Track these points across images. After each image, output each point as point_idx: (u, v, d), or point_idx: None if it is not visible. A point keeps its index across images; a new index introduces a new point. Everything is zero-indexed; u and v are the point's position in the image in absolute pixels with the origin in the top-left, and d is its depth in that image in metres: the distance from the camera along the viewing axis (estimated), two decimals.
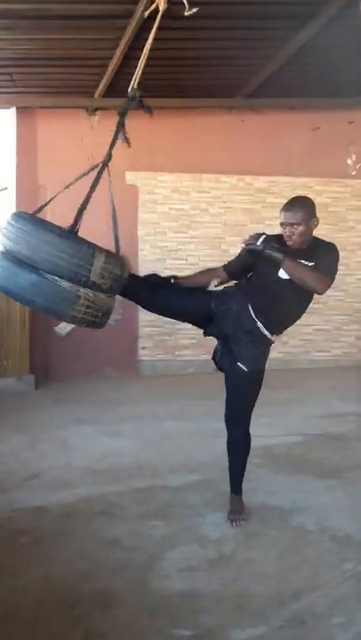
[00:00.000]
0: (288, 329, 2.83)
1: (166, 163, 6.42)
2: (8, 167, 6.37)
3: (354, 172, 6.87)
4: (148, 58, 5.14)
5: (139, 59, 5.10)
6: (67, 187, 2.57)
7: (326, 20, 4.27)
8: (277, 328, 2.76)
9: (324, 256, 2.68)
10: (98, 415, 4.82)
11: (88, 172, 2.56)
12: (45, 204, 2.61)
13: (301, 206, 2.71)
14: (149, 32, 4.27)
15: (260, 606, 2.12)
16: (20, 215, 2.33)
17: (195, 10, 2.70)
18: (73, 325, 2.47)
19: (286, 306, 2.74)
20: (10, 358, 5.75)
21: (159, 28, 2.76)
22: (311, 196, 7.42)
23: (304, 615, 2.07)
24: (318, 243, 2.74)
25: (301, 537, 2.65)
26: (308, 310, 2.84)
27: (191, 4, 2.76)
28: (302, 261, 2.64)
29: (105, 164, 2.62)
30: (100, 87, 5.61)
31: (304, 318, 2.89)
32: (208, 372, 6.63)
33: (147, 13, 2.92)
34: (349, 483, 3.27)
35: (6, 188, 6.55)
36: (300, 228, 2.67)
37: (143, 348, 6.55)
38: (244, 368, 2.70)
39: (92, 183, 2.56)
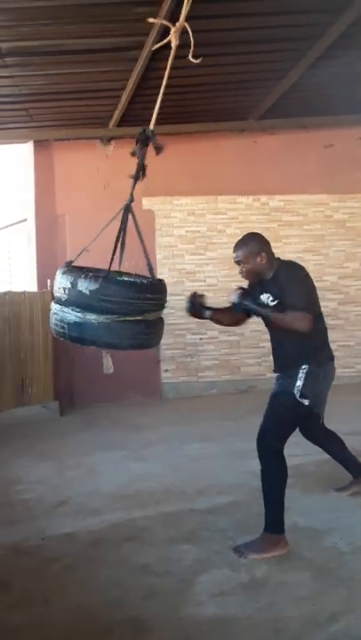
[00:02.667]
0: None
1: (181, 187, 6.49)
2: (27, 199, 6.52)
3: None
4: (165, 86, 5.26)
5: (151, 88, 5.24)
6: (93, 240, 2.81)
7: (335, 39, 4.32)
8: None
9: (289, 288, 2.72)
10: (124, 440, 4.81)
11: (114, 216, 2.77)
12: (78, 255, 2.82)
13: (243, 246, 2.86)
14: (160, 62, 4.41)
15: (297, 630, 2.07)
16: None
17: (200, 59, 2.78)
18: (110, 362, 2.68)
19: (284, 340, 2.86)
20: (34, 386, 5.80)
21: (174, 57, 2.85)
22: (327, 212, 7.44)
23: (342, 638, 2.02)
24: (279, 269, 2.80)
25: (335, 557, 2.59)
26: (329, 327, 2.85)
27: (200, 32, 2.82)
28: (268, 295, 2.78)
29: (127, 206, 2.79)
30: (114, 117, 5.74)
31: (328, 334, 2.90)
32: (231, 392, 6.62)
33: (156, 47, 3.00)
34: None
35: (25, 220, 6.69)
36: (247, 266, 2.84)
37: (166, 370, 6.55)
38: None
39: (119, 227, 2.75)
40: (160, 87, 5.27)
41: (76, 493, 3.59)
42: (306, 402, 2.71)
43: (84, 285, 2.46)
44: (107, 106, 5.51)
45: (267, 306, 2.76)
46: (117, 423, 5.46)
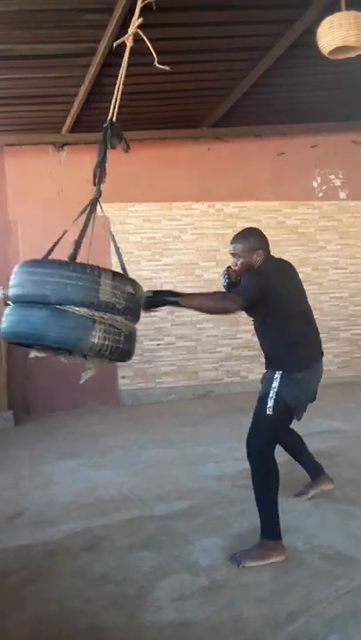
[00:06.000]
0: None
1: (136, 193, 6.50)
2: None
3: (320, 194, 7.05)
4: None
5: (104, 94, 5.22)
6: (72, 223, 2.50)
7: (285, 49, 4.42)
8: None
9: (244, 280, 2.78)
10: (81, 448, 4.76)
11: (84, 209, 2.56)
12: (52, 247, 2.44)
13: (243, 240, 2.86)
14: (113, 69, 4.42)
15: (256, 630, 2.10)
16: (22, 263, 2.21)
17: (166, 68, 2.78)
18: (92, 370, 2.38)
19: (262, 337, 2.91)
20: None
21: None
22: (280, 219, 7.54)
23: (300, 636, 2.05)
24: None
25: (293, 557, 2.63)
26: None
27: (153, 40, 2.85)
28: None
29: (95, 200, 2.63)
30: (66, 123, 5.70)
31: None
32: (189, 397, 6.64)
33: (115, 44, 3.01)
34: (336, 500, 3.27)
35: None
36: (242, 260, 2.84)
37: (123, 377, 6.52)
38: None
39: (86, 217, 2.53)
40: (113, 93, 5.26)
41: (33, 504, 3.52)
42: (272, 409, 2.68)
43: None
44: (59, 111, 5.47)
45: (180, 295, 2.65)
46: (74, 431, 5.39)
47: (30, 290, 2.07)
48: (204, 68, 4.80)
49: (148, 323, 6.18)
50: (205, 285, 6.46)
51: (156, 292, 2.63)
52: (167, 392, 6.60)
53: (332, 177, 7.08)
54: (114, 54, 4.15)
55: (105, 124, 2.71)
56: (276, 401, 2.68)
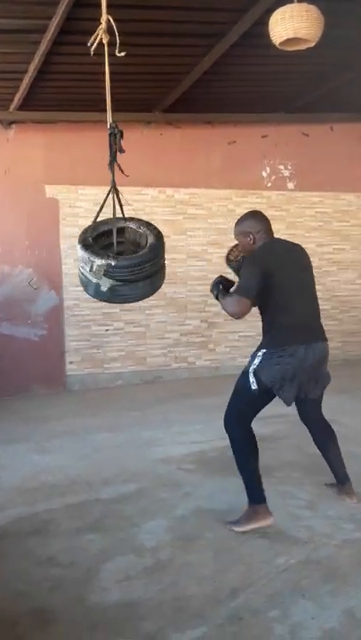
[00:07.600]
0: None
1: (86, 176, 6.39)
2: None
3: (269, 184, 7.15)
4: (68, 72, 5.18)
5: (54, 72, 5.11)
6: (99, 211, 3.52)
7: (238, 37, 4.44)
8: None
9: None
10: (27, 433, 4.71)
11: (105, 200, 3.52)
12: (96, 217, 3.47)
13: (238, 224, 3.00)
14: (64, 47, 4.33)
15: (199, 607, 2.16)
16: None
17: (123, 53, 3.08)
18: None
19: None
20: None
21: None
22: (230, 207, 7.58)
23: (241, 612, 2.13)
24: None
25: (235, 536, 2.72)
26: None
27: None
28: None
29: (113, 189, 3.58)
30: (15, 100, 5.53)
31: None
32: (137, 383, 6.66)
33: (93, 48, 3.11)
34: (278, 481, 3.39)
35: None
36: (239, 244, 3.03)
37: (71, 362, 6.46)
38: None
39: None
40: (69, 72, 5.20)
41: None
42: (255, 384, 2.80)
43: None
44: (7, 88, 5.30)
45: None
46: (20, 416, 5.32)
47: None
48: (158, 52, 4.76)
49: (97, 307, 6.14)
50: None
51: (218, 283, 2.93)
52: (115, 377, 6.60)
53: (281, 167, 7.18)
54: (65, 32, 4.06)
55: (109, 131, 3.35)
56: (254, 376, 2.81)
